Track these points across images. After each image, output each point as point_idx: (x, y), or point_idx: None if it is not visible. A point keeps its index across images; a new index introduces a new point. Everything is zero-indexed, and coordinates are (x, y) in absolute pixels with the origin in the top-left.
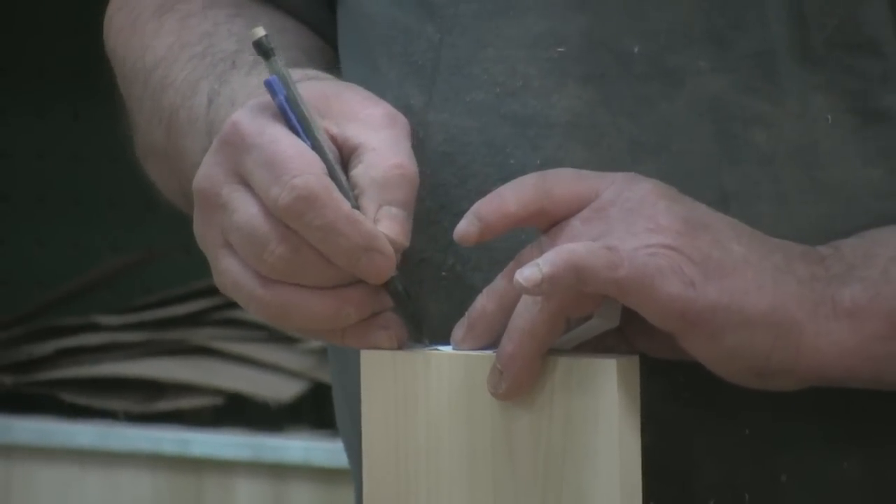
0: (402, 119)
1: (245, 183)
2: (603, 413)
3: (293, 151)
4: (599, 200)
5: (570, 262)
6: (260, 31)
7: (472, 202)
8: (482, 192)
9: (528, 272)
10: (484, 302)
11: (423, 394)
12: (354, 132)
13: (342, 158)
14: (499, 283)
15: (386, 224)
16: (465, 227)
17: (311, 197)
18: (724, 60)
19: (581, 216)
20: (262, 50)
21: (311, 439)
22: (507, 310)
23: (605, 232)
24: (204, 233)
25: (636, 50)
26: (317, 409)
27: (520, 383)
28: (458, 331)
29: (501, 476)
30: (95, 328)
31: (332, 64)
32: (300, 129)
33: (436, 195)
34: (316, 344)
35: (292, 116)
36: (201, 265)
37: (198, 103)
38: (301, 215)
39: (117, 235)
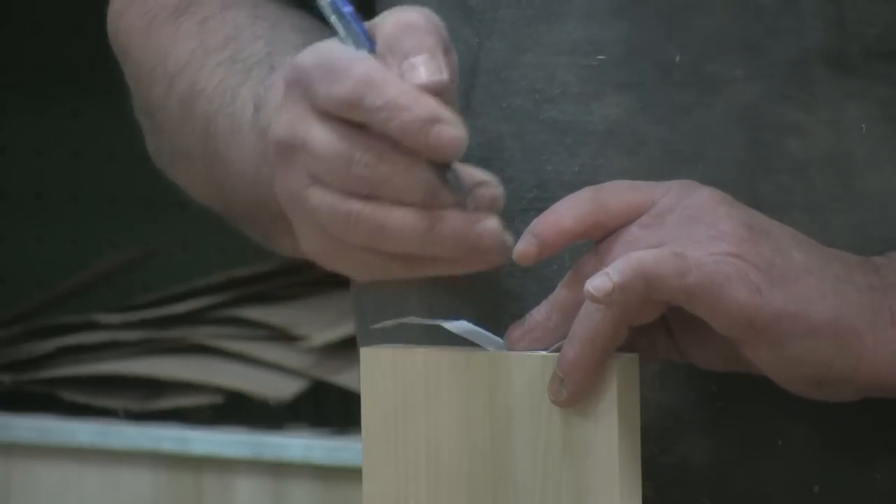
0: (422, 9)
1: (318, 112)
2: (603, 412)
3: (349, 55)
4: (657, 207)
5: (640, 271)
6: None
7: (507, 209)
8: (518, 199)
9: (599, 282)
10: (547, 310)
11: (422, 394)
12: (378, 32)
13: None
14: (560, 292)
15: (409, 77)
16: (524, 247)
17: (370, 81)
18: (758, 68)
19: (639, 222)
20: None
21: (311, 437)
22: (568, 319)
23: (665, 238)
24: (287, 184)
25: (677, 58)
26: (317, 408)
27: (581, 390)
28: (515, 332)
29: (501, 476)
30: (95, 326)
31: None
32: (361, 34)
33: None
34: (316, 342)
35: (357, 27)
36: (201, 263)
37: (239, 110)
38: (362, 99)
39: (116, 233)
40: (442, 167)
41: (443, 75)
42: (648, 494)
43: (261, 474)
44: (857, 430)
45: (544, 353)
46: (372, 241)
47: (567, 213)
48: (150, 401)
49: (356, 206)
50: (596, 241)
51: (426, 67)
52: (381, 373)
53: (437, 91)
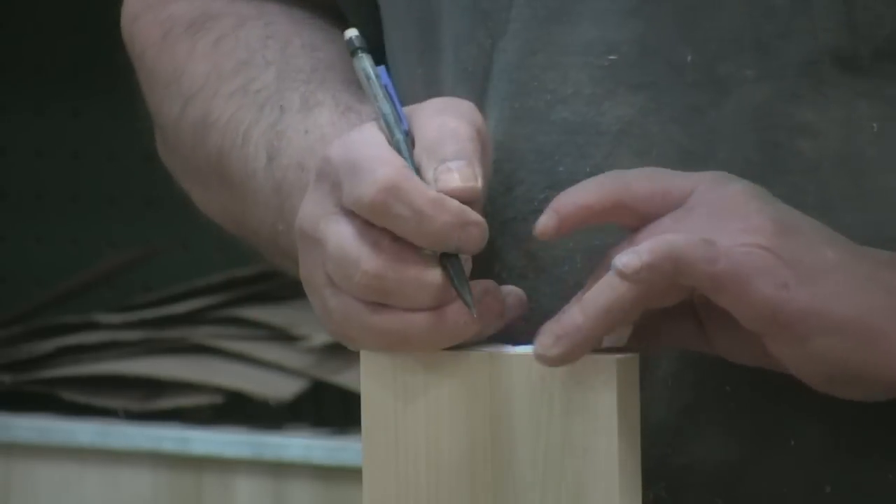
0: (458, 100)
1: (343, 210)
2: (603, 411)
3: (373, 152)
4: (690, 199)
5: (669, 252)
6: (352, 31)
7: (517, 210)
8: (529, 200)
9: (627, 259)
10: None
11: (422, 394)
12: (415, 125)
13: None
14: (591, 285)
15: (445, 179)
16: (544, 222)
17: (395, 187)
18: (769, 69)
19: (671, 215)
20: (351, 48)
21: (311, 437)
22: None
23: (696, 228)
24: (308, 274)
25: (689, 58)
26: (317, 408)
27: (572, 355)
28: (546, 338)
29: (501, 475)
30: (95, 326)
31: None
32: (385, 111)
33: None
34: (316, 342)
35: (396, 105)
36: (201, 263)
37: (252, 155)
38: (388, 207)
39: (116, 233)
40: (446, 263)
41: (476, 182)
42: (661, 495)
43: (261, 474)
44: (871, 431)
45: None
46: (390, 346)
47: (589, 189)
48: (150, 401)
49: (369, 317)
50: (621, 223)
51: (461, 174)
52: (381, 373)
53: (469, 198)
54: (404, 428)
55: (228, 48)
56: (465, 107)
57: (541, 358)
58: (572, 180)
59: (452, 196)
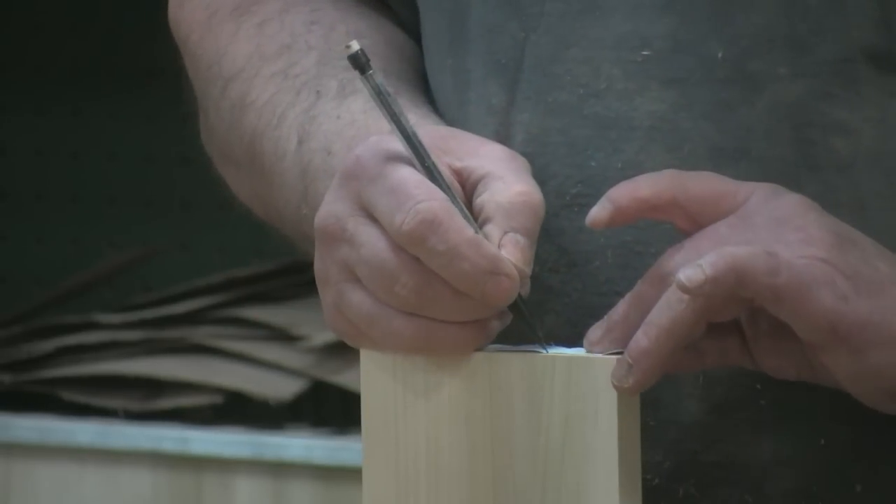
0: (521, 157)
1: (370, 215)
2: (603, 412)
3: (416, 179)
4: (745, 208)
5: (732, 265)
6: (355, 46)
7: (550, 204)
8: (561, 195)
9: (691, 272)
10: (626, 308)
11: (422, 394)
12: (478, 164)
13: (465, 190)
14: (641, 288)
15: (510, 250)
16: (597, 211)
17: (435, 221)
18: (803, 66)
19: (726, 222)
20: (358, 64)
21: (311, 437)
22: (647, 315)
23: (753, 239)
24: (326, 268)
25: (720, 55)
26: (317, 408)
27: (648, 379)
28: (595, 332)
29: (501, 476)
30: (95, 326)
31: (418, 63)
32: (404, 140)
33: None
34: (316, 342)
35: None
36: (201, 263)
37: (284, 137)
38: (424, 240)
39: (117, 233)
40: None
41: (528, 268)
42: (691, 492)
43: (261, 474)
44: None
45: (544, 352)
46: (414, 351)
47: (645, 183)
48: (150, 401)
49: (400, 323)
50: (674, 222)
51: (523, 254)
52: (381, 373)
53: (519, 276)
54: (404, 428)
55: (272, 31)
56: (528, 166)
57: (619, 389)
58: (604, 175)
59: None
